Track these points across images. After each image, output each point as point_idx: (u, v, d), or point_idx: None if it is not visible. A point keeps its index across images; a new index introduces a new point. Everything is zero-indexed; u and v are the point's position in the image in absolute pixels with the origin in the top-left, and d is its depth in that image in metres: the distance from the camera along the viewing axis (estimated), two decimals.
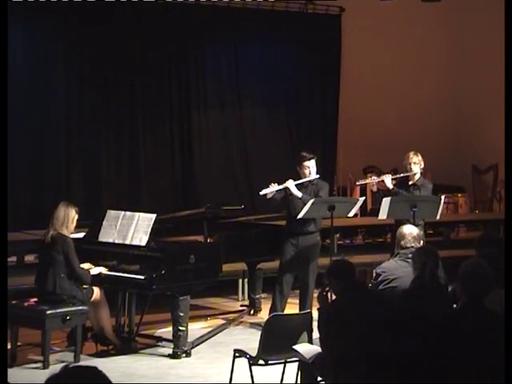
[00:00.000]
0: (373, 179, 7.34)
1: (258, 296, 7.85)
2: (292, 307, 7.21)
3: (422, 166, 7.31)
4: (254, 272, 7.89)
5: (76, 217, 6.17)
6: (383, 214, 7.00)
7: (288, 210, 7.00)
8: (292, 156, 10.66)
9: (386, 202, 6.94)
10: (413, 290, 4.57)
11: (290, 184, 6.90)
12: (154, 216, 6.35)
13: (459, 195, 11.81)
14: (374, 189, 7.34)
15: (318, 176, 7.00)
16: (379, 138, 11.73)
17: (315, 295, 7.11)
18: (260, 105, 11.25)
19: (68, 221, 6.10)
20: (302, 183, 6.97)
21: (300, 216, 6.84)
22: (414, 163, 7.24)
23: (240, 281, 8.44)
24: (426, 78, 12.34)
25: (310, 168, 6.95)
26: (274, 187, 6.84)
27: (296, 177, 7.05)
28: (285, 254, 6.98)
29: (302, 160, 6.99)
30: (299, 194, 6.90)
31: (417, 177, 7.31)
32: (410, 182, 7.30)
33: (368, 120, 11.83)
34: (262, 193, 6.86)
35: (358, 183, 7.93)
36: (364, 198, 7.31)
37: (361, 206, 7.51)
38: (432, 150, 11.95)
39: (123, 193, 10.14)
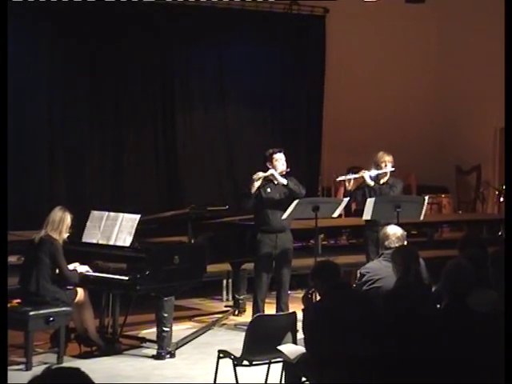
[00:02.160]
0: (351, 174, 7.35)
1: (242, 296, 7.85)
2: (269, 307, 7.19)
3: (393, 164, 7.38)
4: (238, 272, 7.88)
5: (70, 224, 6.16)
6: (367, 215, 7.02)
7: (262, 208, 6.93)
8: None
9: (370, 202, 6.97)
10: (397, 290, 4.57)
11: (273, 171, 6.86)
12: (138, 216, 6.33)
13: (443, 196, 11.87)
14: (350, 187, 7.31)
15: (289, 169, 6.97)
16: (364, 139, 11.75)
17: (295, 295, 7.15)
18: (244, 105, 11.25)
19: (62, 226, 6.10)
20: (272, 180, 6.90)
21: (284, 217, 6.83)
22: (388, 161, 7.32)
23: (224, 281, 8.42)
24: (411, 79, 12.39)
25: (282, 160, 6.92)
26: (259, 175, 6.78)
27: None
28: (262, 254, 6.95)
29: (271, 154, 6.93)
30: (284, 180, 6.85)
31: (387, 176, 7.38)
32: (382, 181, 7.37)
33: (352, 120, 11.85)
34: (253, 190, 6.79)
35: (338, 179, 7.90)
36: (348, 198, 7.31)
37: (345, 207, 7.51)
38: (416, 151, 12.05)
39: (107, 193, 10.10)
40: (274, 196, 6.94)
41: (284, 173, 6.95)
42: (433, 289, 4.85)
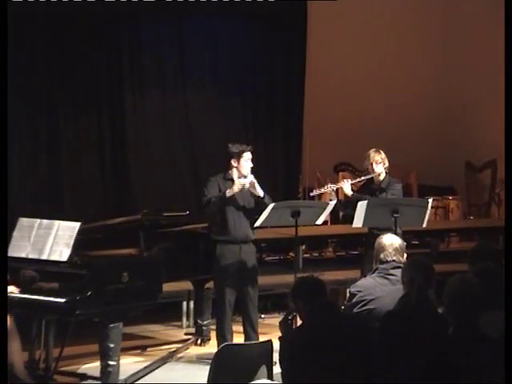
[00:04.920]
0: (329, 187, 7.41)
1: (206, 322, 7.84)
2: (238, 336, 7.20)
3: (387, 164, 7.50)
4: (201, 293, 7.87)
5: None
6: (359, 222, 7.05)
7: (222, 214, 6.96)
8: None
9: (361, 206, 6.99)
10: (397, 311, 4.59)
11: (255, 180, 6.90)
12: (77, 224, 6.30)
13: (450, 198, 11.95)
14: (333, 198, 7.40)
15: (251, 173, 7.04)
16: (354, 131, 11.81)
17: (271, 320, 7.18)
18: (209, 88, 11.25)
19: None
20: (234, 180, 6.90)
21: (258, 224, 6.87)
22: (376, 162, 7.44)
23: (184, 303, 8.43)
24: (411, 61, 12.48)
25: (250, 161, 6.99)
26: (241, 184, 6.82)
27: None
28: (224, 269, 6.96)
29: (241, 152, 6.97)
30: (261, 192, 6.92)
31: (381, 177, 7.49)
32: (375, 185, 7.49)
33: (340, 109, 11.91)
34: (228, 194, 6.83)
35: (312, 194, 7.95)
36: (335, 201, 7.34)
37: (332, 212, 7.53)
38: (417, 144, 12.14)
39: (40, 195, 10.03)
40: (237, 199, 6.95)
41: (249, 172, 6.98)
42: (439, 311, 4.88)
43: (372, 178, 7.51)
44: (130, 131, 10.66)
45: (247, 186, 6.85)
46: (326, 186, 7.46)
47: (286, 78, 11.74)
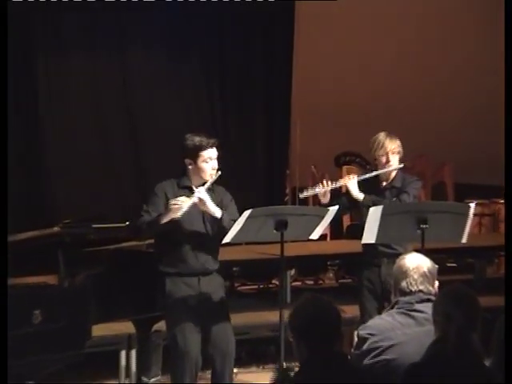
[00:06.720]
0: (326, 184, 7.41)
1: (154, 379, 7.91)
2: None
3: (401, 155, 7.53)
4: (147, 337, 7.86)
5: None
6: (371, 236, 7.05)
7: (173, 238, 6.98)
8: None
9: (374, 213, 6.97)
10: (427, 363, 4.56)
11: (205, 197, 6.89)
12: None
13: (500, 201, 11.96)
14: (325, 200, 7.38)
15: (219, 173, 7.04)
16: (362, 110, 11.90)
17: (242, 377, 7.13)
18: (159, 47, 11.38)
19: None
20: (191, 188, 6.98)
21: (228, 239, 6.82)
22: (393, 152, 7.48)
23: (123, 353, 8.34)
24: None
25: (214, 160, 7.00)
26: (179, 204, 6.77)
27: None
28: (179, 304, 6.98)
29: (198, 148, 6.96)
30: (218, 212, 6.92)
31: (393, 173, 7.57)
32: (384, 183, 7.57)
33: (341, 80, 12.09)
34: (164, 220, 6.85)
35: (301, 195, 7.91)
36: (337, 206, 7.28)
37: (332, 222, 7.46)
38: (452, 129, 12.19)
39: None
40: (193, 219, 6.95)
41: (212, 179, 7.00)
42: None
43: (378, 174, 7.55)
44: (43, 108, 10.75)
45: (184, 208, 6.76)
46: (322, 185, 7.38)
47: (266, 40, 12.04)
